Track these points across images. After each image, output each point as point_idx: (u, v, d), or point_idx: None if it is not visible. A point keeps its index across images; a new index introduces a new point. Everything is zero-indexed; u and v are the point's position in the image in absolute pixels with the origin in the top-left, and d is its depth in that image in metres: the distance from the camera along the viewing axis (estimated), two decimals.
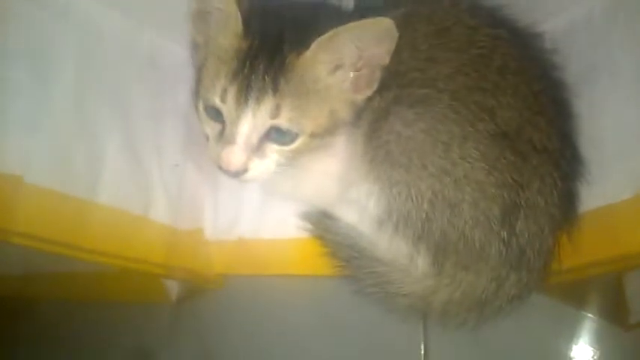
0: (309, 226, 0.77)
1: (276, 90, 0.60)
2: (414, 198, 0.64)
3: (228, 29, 0.62)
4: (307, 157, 0.68)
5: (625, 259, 0.62)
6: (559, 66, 0.69)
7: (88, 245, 0.68)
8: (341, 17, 0.63)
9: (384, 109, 0.65)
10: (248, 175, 0.63)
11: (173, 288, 0.86)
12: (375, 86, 0.64)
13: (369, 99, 0.66)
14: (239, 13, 0.60)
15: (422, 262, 0.68)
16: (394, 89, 0.65)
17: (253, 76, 0.60)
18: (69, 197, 0.66)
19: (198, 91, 0.65)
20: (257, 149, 0.62)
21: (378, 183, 0.66)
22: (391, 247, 0.70)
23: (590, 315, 0.74)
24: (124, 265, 0.72)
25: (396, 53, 0.62)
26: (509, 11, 0.69)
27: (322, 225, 0.76)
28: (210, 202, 0.84)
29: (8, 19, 0.64)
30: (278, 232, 0.80)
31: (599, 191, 0.65)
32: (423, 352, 0.77)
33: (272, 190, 0.79)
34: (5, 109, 0.62)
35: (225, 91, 0.61)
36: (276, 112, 0.60)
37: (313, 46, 0.59)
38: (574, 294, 0.75)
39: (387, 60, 0.62)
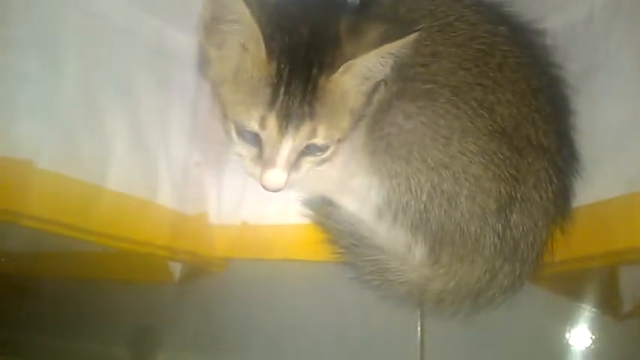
0: (310, 212, 0.79)
1: (313, 116, 0.61)
2: (413, 190, 0.65)
3: (252, 53, 0.61)
4: None
5: (615, 255, 0.64)
6: (559, 63, 0.70)
7: (95, 228, 0.69)
8: (353, 17, 0.64)
9: (387, 102, 0.66)
10: (285, 188, 0.65)
11: (177, 268, 0.87)
12: (387, 70, 0.64)
13: (374, 91, 0.66)
14: (261, 35, 0.59)
15: (419, 252, 0.70)
16: (398, 82, 0.66)
17: (291, 104, 0.60)
18: (77, 182, 0.67)
19: (226, 114, 0.64)
20: (294, 165, 0.64)
21: (378, 174, 0.67)
22: (390, 235, 0.71)
23: (584, 305, 0.75)
24: (131, 247, 0.73)
25: None
26: (511, 8, 0.69)
27: (323, 212, 0.77)
28: (214, 187, 0.84)
29: (17, 8, 0.64)
30: (280, 218, 0.81)
31: (593, 187, 0.67)
32: (419, 336, 0.79)
33: None
34: (15, 96, 0.63)
35: (264, 119, 0.61)
36: (313, 134, 0.62)
37: (342, 68, 0.60)
38: (569, 285, 0.76)
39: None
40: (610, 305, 0.73)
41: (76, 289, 0.94)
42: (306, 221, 0.79)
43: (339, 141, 0.65)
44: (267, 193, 0.81)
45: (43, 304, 0.95)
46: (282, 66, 0.60)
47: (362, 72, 0.62)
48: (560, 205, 0.67)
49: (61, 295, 0.95)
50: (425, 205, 0.66)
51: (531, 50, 0.69)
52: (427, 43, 0.66)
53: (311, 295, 0.83)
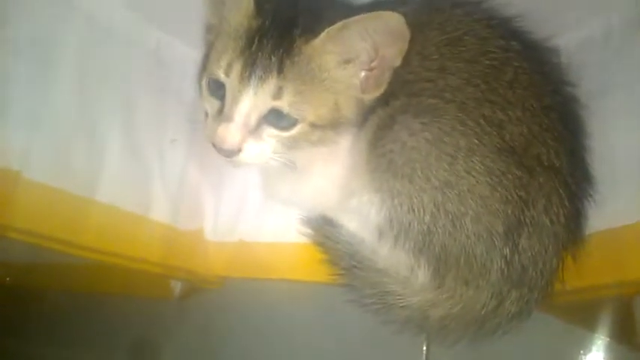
0: (309, 231, 0.76)
1: (280, 71, 0.59)
2: (416, 210, 0.63)
3: (241, 8, 0.62)
4: (309, 160, 0.68)
5: (630, 285, 0.61)
6: (572, 82, 0.67)
7: (85, 243, 0.67)
8: (352, 9, 0.63)
9: (390, 118, 0.64)
10: (241, 157, 0.62)
11: (177, 284, 0.87)
12: (383, 88, 0.63)
13: (376, 106, 0.65)
14: None
15: (422, 275, 0.67)
16: (402, 98, 0.64)
17: (260, 54, 0.60)
18: (68, 194, 0.66)
19: (204, 66, 0.65)
20: (254, 130, 0.62)
21: (379, 193, 0.65)
22: (391, 257, 0.68)
23: (598, 334, 0.72)
24: (123, 263, 0.71)
25: (406, 62, 0.62)
26: (524, 23, 0.67)
27: (323, 231, 0.75)
28: (211, 202, 0.83)
29: (11, 13, 0.63)
30: (278, 236, 0.79)
31: (607, 213, 0.64)
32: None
33: (272, 194, 0.77)
34: (6, 104, 0.62)
35: (230, 65, 0.60)
36: (278, 94, 0.60)
37: (322, 35, 0.59)
38: (581, 314, 0.73)
39: (398, 61, 0.61)
40: (625, 335, 0.70)
41: (77, 301, 0.95)
42: (304, 240, 0.76)
43: (313, 126, 0.62)
44: (264, 210, 0.80)
45: (45, 315, 0.97)
46: (266, 22, 0.61)
47: (341, 48, 0.60)
48: (571, 230, 0.64)
49: (62, 307, 0.97)
50: (428, 226, 0.63)
51: (544, 67, 0.66)
52: (435, 57, 0.64)
53: (310, 315, 0.81)
